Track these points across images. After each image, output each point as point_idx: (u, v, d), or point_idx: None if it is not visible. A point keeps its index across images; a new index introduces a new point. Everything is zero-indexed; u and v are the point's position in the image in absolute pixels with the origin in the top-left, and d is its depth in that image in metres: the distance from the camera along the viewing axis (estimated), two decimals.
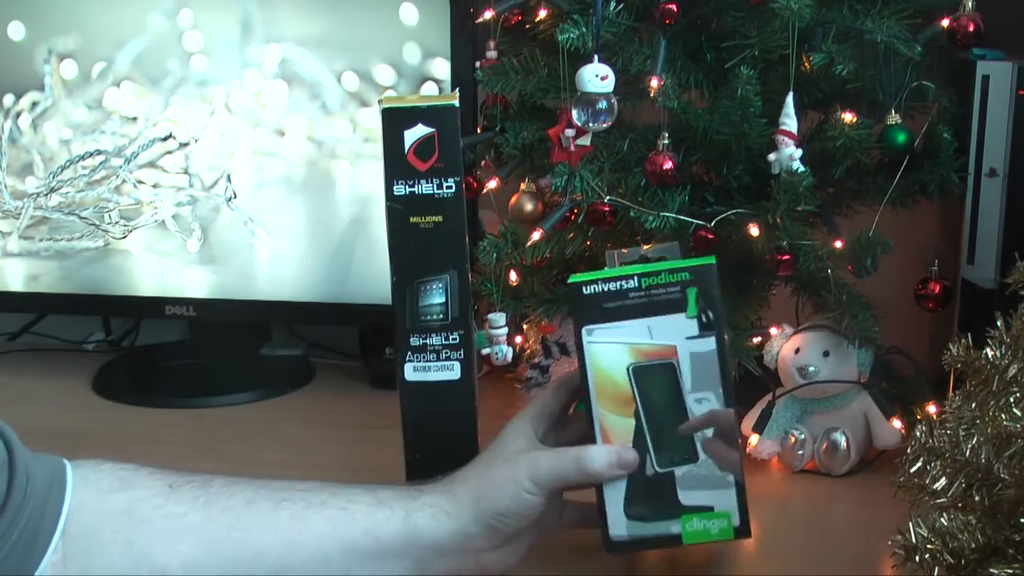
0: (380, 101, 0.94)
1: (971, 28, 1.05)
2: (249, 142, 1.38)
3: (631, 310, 0.88)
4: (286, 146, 1.37)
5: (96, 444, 1.26)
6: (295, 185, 1.38)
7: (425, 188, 0.93)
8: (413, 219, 0.94)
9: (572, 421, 0.96)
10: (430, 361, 0.96)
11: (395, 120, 0.93)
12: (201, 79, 1.37)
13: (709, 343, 0.88)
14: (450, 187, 0.93)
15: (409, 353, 0.96)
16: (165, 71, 1.37)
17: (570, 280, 0.89)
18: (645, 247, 0.97)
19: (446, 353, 0.96)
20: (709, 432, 0.88)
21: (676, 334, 0.88)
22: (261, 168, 1.38)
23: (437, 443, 0.98)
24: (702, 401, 0.88)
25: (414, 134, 0.93)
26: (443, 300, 0.95)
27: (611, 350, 0.88)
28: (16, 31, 1.39)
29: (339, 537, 0.83)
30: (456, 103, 0.94)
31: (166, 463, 1.19)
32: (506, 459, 0.88)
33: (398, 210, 0.94)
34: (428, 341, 0.96)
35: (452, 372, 0.97)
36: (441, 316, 0.95)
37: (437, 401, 0.97)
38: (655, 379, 0.88)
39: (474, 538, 0.85)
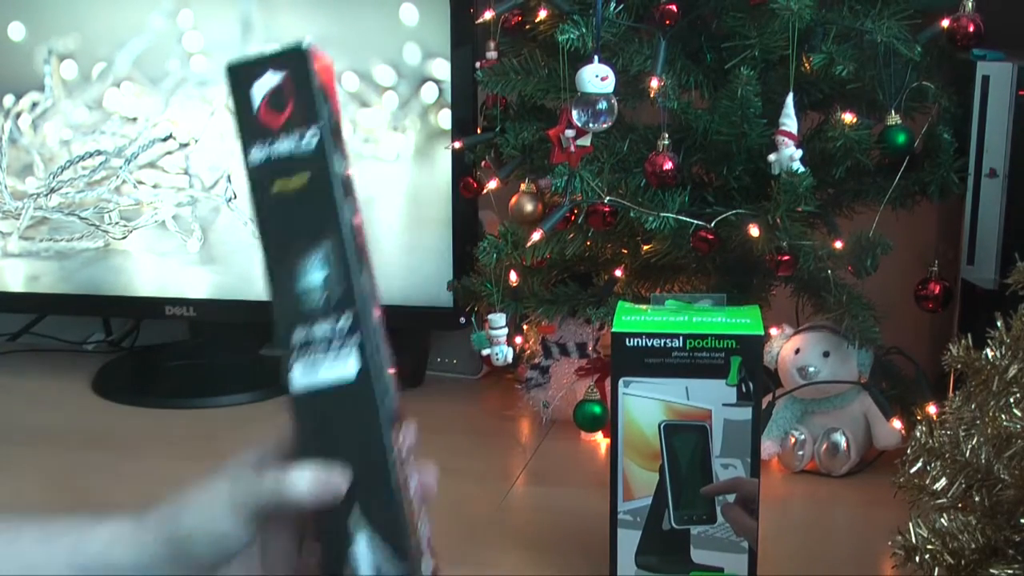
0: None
1: (971, 28, 1.05)
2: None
3: (672, 368, 0.87)
4: None
5: (96, 444, 1.26)
6: None
7: (284, 146, 0.77)
8: (276, 187, 0.77)
9: None
10: (318, 355, 0.76)
11: (240, 76, 0.77)
12: (201, 79, 1.37)
13: (745, 413, 0.87)
14: (313, 137, 0.76)
15: (295, 353, 0.76)
16: (165, 71, 1.37)
17: (615, 329, 0.88)
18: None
19: (336, 344, 0.76)
20: (731, 498, 0.88)
21: (713, 399, 0.87)
22: None
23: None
24: (728, 467, 0.88)
25: (263, 86, 0.77)
26: (323, 277, 0.76)
27: (646, 405, 0.88)
28: (16, 31, 1.39)
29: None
30: (308, 43, 0.77)
31: (166, 463, 1.20)
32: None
33: (257, 180, 0.77)
34: (315, 332, 0.76)
35: (345, 367, 0.75)
36: (325, 298, 0.76)
37: (330, 411, 0.76)
38: (685, 439, 0.88)
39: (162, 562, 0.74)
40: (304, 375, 0.76)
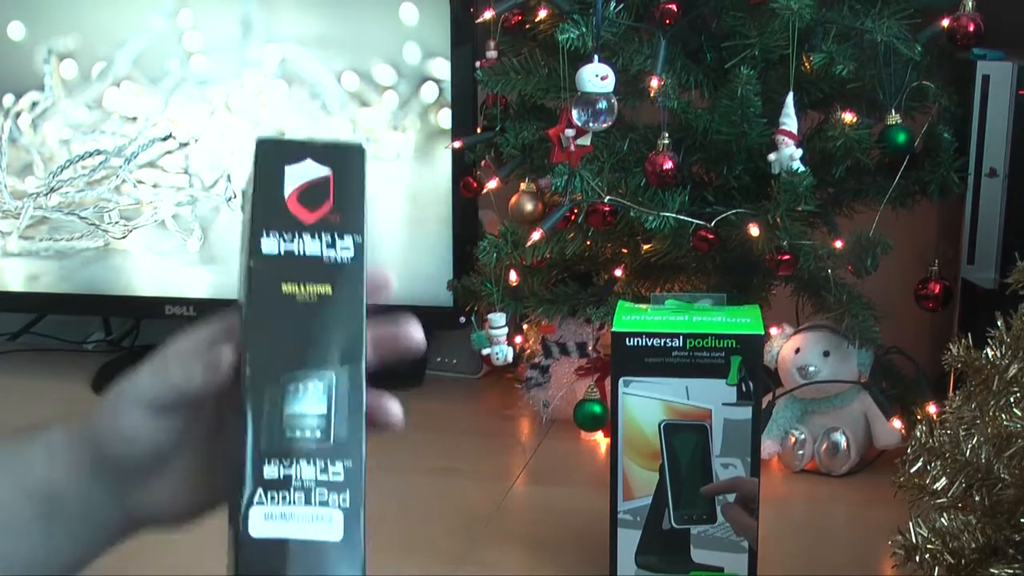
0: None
1: (971, 28, 1.05)
2: (249, 142, 1.37)
3: (672, 368, 0.87)
4: None
5: None
6: None
7: (310, 247, 0.65)
8: (287, 288, 0.65)
9: None
10: (294, 505, 0.60)
11: (270, 153, 0.68)
12: (201, 79, 1.37)
13: (745, 412, 0.87)
14: (346, 248, 0.66)
15: (260, 491, 0.60)
16: (165, 71, 1.37)
17: (615, 328, 0.88)
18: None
19: (322, 494, 0.61)
20: (731, 497, 0.88)
21: (713, 398, 0.87)
22: None
23: None
24: (728, 467, 0.88)
25: (299, 175, 0.67)
26: (323, 410, 0.63)
27: (646, 404, 0.88)
28: (16, 31, 1.39)
29: None
30: (363, 144, 0.67)
31: None
32: None
33: (262, 273, 0.66)
34: (294, 472, 0.61)
35: (329, 526, 0.60)
36: (319, 434, 0.62)
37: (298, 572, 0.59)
38: (685, 439, 0.88)
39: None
40: (268, 523, 0.60)
